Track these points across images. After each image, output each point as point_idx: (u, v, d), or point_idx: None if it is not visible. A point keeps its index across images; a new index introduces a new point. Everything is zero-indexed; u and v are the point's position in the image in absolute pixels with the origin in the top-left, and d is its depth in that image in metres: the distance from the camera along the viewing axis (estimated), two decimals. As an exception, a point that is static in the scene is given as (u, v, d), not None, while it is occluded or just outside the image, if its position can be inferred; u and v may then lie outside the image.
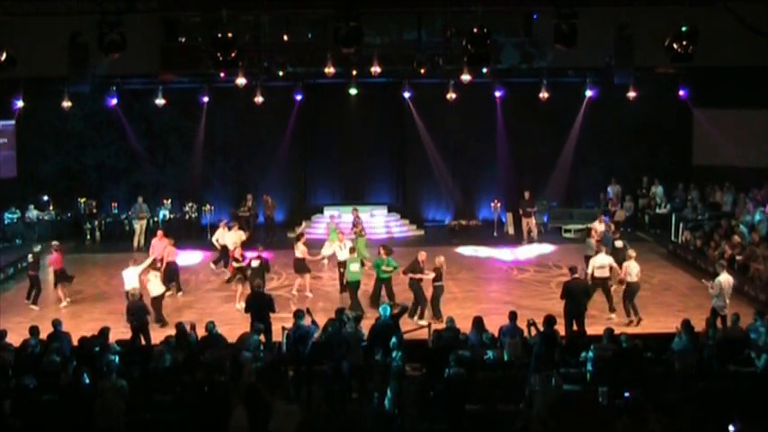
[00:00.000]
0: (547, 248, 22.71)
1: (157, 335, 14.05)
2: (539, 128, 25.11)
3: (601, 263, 16.19)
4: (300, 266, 18.13)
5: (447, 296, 16.31)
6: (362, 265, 17.50)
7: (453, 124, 25.20)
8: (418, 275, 16.08)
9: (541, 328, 12.20)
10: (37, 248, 18.17)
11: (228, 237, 19.49)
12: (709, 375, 11.59)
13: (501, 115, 24.92)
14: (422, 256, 16.33)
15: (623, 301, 16.00)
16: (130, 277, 15.93)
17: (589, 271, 16.37)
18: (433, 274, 15.99)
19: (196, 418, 10.21)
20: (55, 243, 18.41)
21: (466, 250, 22.51)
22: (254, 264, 16.93)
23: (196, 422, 10.17)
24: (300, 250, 18.12)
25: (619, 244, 18.32)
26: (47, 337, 13.04)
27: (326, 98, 24.54)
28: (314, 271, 18.85)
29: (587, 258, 17.71)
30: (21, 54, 15.20)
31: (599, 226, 19.40)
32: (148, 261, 16.56)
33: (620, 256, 17.20)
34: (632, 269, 16.00)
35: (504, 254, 22.23)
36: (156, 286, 16.03)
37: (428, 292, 16.11)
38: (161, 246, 18.26)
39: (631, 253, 16.49)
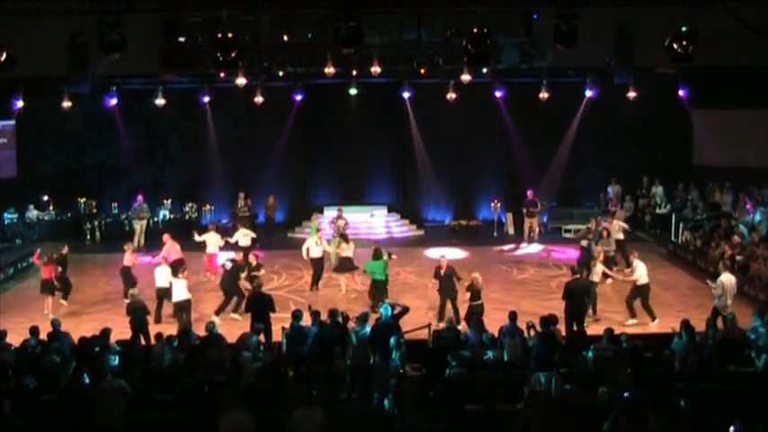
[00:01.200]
0: (547, 248, 22.70)
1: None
2: (539, 128, 25.12)
3: (642, 272, 15.96)
4: (347, 265, 18.25)
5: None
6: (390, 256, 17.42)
7: (453, 124, 25.19)
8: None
9: (539, 329, 12.21)
10: (64, 250, 17.71)
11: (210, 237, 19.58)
12: (709, 375, 11.59)
13: (501, 115, 24.91)
14: (442, 263, 16.05)
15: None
16: (162, 276, 16.07)
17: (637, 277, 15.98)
18: (468, 293, 15.35)
19: (196, 418, 10.21)
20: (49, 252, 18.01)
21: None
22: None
23: (196, 422, 10.16)
24: (350, 250, 18.27)
25: (584, 243, 18.51)
26: (47, 337, 13.05)
27: (326, 98, 24.53)
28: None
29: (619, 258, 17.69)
30: (21, 54, 15.21)
31: (615, 224, 19.67)
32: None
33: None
34: (597, 269, 16.34)
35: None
36: (178, 292, 15.76)
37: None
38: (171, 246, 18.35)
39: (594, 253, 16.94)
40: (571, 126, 25.08)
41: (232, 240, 19.67)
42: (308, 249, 18.89)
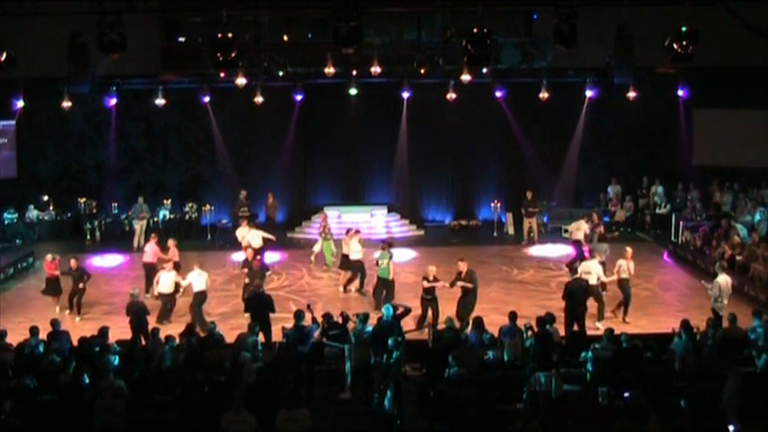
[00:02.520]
0: (547, 248, 22.70)
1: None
2: (539, 128, 25.11)
3: (586, 268, 15.78)
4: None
5: (448, 296, 16.09)
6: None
7: (453, 124, 25.19)
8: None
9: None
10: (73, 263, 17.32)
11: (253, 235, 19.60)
12: (709, 375, 11.59)
13: (501, 115, 24.91)
14: (462, 266, 15.74)
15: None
16: (197, 280, 16.04)
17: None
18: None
19: (196, 418, 10.21)
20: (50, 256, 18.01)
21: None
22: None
23: (196, 422, 10.16)
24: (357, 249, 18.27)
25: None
26: (47, 337, 13.05)
27: (326, 98, 24.50)
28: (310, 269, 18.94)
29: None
30: (21, 54, 15.26)
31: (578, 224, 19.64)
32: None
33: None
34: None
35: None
36: (165, 284, 16.21)
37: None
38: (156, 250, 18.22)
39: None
40: (571, 126, 25.07)
41: (244, 243, 19.55)
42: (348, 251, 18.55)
